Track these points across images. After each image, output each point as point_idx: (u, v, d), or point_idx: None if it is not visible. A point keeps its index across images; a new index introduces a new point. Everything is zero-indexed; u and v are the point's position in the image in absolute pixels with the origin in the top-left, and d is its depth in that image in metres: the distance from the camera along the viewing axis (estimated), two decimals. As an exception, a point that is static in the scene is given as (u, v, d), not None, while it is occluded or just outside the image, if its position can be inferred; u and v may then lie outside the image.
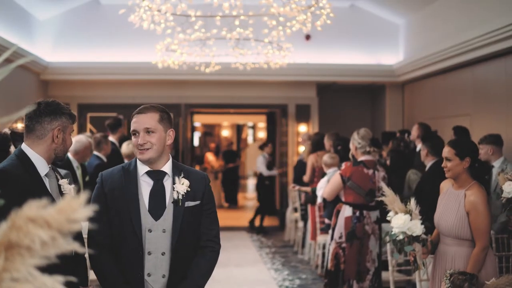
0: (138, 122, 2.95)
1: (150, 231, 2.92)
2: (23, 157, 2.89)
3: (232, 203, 15.98)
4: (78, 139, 6.36)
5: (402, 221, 3.93)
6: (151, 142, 2.91)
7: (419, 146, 7.38)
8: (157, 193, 2.97)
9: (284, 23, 7.65)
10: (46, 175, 2.94)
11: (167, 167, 3.00)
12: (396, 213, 4.04)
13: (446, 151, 4.03)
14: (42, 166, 2.91)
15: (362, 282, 5.76)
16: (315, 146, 8.79)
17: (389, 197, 4.15)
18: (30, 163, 2.87)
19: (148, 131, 2.92)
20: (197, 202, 3.00)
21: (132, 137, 2.98)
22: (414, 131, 7.59)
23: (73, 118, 2.98)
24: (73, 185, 3.07)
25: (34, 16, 10.48)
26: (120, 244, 2.95)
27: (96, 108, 11.87)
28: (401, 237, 3.96)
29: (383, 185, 4.41)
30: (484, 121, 8.40)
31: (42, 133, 2.90)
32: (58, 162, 3.05)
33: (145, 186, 2.98)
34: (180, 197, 2.94)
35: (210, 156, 16.22)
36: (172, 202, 2.95)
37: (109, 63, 10.99)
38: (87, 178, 6.39)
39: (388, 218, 4.15)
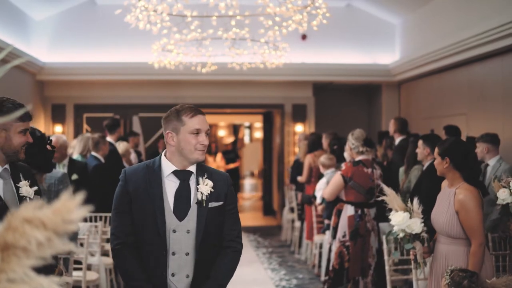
0: (203, 122, 2.95)
1: (174, 231, 2.91)
2: None
3: None
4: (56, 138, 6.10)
5: (401, 218, 3.94)
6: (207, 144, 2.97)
7: (397, 140, 7.59)
8: (182, 193, 2.96)
9: (280, 23, 7.65)
10: None
11: (193, 167, 3.00)
12: (397, 211, 4.06)
13: (435, 150, 4.15)
14: None
15: (366, 278, 5.91)
16: (311, 146, 8.78)
17: (390, 195, 4.17)
18: None
19: (207, 133, 2.97)
20: (221, 203, 3.00)
21: (190, 136, 2.92)
22: (391, 126, 7.83)
23: (21, 116, 2.89)
24: (35, 187, 3.02)
25: (30, 17, 10.46)
26: (144, 243, 2.93)
27: (92, 108, 11.85)
28: (401, 235, 3.98)
29: (382, 184, 4.43)
30: (480, 120, 8.42)
31: None
32: (15, 162, 2.97)
33: (170, 186, 2.96)
34: (204, 198, 2.94)
35: (208, 158, 15.29)
36: (196, 203, 2.95)
37: (105, 64, 10.98)
38: (74, 177, 6.20)
39: (389, 217, 4.16)
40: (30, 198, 2.96)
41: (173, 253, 2.92)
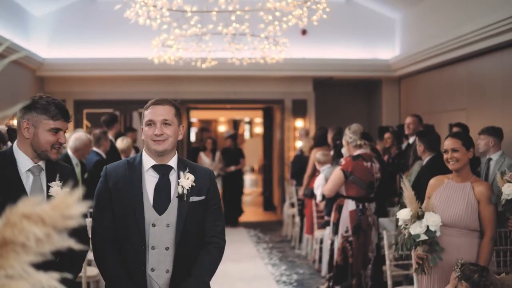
0: (156, 113, 2.95)
1: (153, 225, 2.91)
2: (8, 152, 2.88)
3: (232, 224, 11.81)
4: (78, 137, 6.32)
5: (437, 218, 3.90)
6: (167, 134, 2.93)
7: (411, 138, 7.49)
8: (162, 187, 2.96)
9: (280, 18, 7.63)
10: (29, 171, 2.89)
11: (173, 162, 3.01)
12: (423, 213, 3.95)
13: (452, 143, 4.05)
14: (23, 162, 2.87)
15: (365, 270, 5.94)
16: (318, 141, 8.74)
17: (408, 194, 4.05)
18: (12, 158, 2.85)
19: (165, 122, 2.95)
20: (202, 198, 2.99)
21: (146, 128, 2.97)
22: (411, 125, 7.69)
23: (49, 114, 2.85)
24: (65, 189, 2.98)
25: (30, 12, 10.44)
26: (123, 238, 2.94)
27: (92, 104, 11.83)
28: (423, 238, 3.88)
29: (405, 181, 4.20)
30: (480, 115, 8.41)
31: (19, 127, 2.88)
32: (43, 159, 2.94)
33: (150, 180, 2.97)
34: (185, 192, 2.94)
35: (204, 157, 12.40)
36: (176, 197, 2.95)
37: (105, 59, 10.96)
38: (85, 175, 6.37)
39: (398, 215, 4.06)
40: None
41: (153, 248, 2.91)
